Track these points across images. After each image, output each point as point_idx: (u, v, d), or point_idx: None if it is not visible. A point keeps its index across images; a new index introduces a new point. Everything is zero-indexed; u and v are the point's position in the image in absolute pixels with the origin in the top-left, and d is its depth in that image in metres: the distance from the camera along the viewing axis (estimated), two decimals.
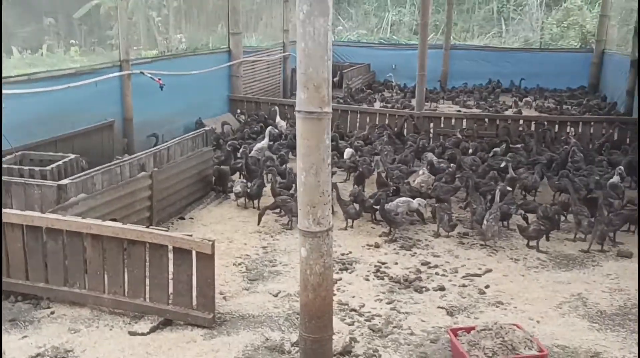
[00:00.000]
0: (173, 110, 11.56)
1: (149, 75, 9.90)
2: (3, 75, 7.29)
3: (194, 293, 5.38)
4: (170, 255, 5.36)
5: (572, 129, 12.20)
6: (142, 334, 5.19)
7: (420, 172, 9.50)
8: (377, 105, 15.95)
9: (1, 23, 7.73)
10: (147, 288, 5.44)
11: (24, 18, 9.47)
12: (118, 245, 5.41)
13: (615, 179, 8.72)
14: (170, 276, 5.41)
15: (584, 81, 18.93)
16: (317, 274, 4.62)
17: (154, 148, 7.74)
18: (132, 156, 7.43)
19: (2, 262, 5.56)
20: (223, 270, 6.60)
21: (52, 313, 5.57)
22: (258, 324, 5.49)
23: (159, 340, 5.14)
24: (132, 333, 5.21)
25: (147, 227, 5.61)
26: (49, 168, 6.59)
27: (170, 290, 5.42)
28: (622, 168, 9.01)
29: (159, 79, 9.94)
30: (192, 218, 8.19)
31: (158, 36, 19.98)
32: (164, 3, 20.32)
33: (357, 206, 8.07)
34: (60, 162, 6.87)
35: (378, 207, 7.85)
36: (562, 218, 8.07)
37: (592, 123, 12.15)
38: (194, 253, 5.24)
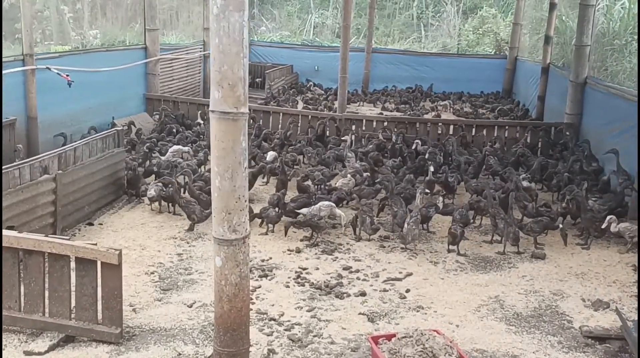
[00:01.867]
0: (84, 108, 10.90)
1: (55, 71, 9.24)
2: None
3: (99, 307, 4.98)
4: (73, 265, 4.93)
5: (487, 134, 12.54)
6: (39, 353, 4.74)
7: (345, 174, 9.44)
8: (300, 106, 15.81)
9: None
10: (47, 302, 4.98)
11: None
12: (13, 256, 4.93)
13: (525, 182, 8.96)
14: (73, 288, 4.97)
15: (498, 86, 19.60)
16: (232, 284, 4.38)
17: (59, 149, 7.18)
18: (34, 157, 6.85)
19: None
20: (134, 280, 6.20)
21: None
22: (170, 338, 5.16)
23: None
24: (27, 353, 4.75)
25: (47, 235, 5.12)
26: None
27: (73, 303, 4.99)
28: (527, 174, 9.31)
29: (67, 75, 9.29)
30: (101, 224, 7.68)
31: (71, 31, 18.95)
32: None
33: (277, 209, 7.83)
34: None
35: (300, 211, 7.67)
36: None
37: (507, 127, 12.53)
38: (99, 263, 4.84)
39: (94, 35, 18.55)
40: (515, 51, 19.32)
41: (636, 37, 14.48)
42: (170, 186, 7.91)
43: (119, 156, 8.36)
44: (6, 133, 8.57)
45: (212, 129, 4.16)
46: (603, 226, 7.45)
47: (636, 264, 7.10)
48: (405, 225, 7.40)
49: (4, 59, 8.93)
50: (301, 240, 7.58)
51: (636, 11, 15.31)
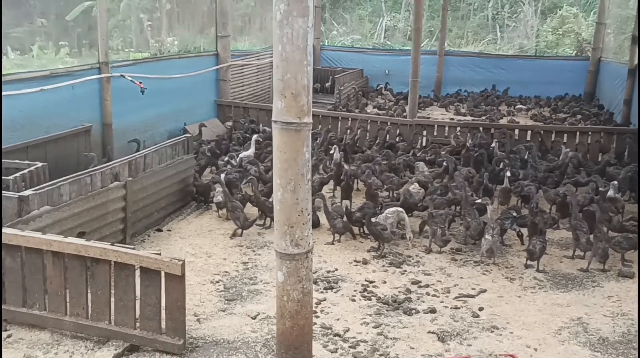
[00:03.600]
0: (156, 115, 11.13)
1: (129, 78, 9.46)
2: None
3: (163, 317, 4.94)
4: (138, 274, 4.92)
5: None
6: None
7: (413, 181, 9.13)
8: (370, 111, 15.58)
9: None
10: (112, 311, 5.00)
11: (17, 18, 9.13)
12: (81, 264, 4.96)
13: (612, 192, 8.32)
14: (137, 298, 4.96)
15: (580, 89, 18.61)
16: (295, 301, 4.21)
17: (129, 156, 7.28)
18: (105, 164, 6.97)
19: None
20: (199, 289, 6.16)
21: (9, 336, 5.11)
22: (233, 350, 5.06)
23: None
24: None
25: (113, 244, 5.14)
26: (11, 177, 6.13)
27: (137, 313, 4.98)
28: (616, 182, 8.60)
29: (140, 83, 9.49)
30: (169, 230, 7.74)
31: (150, 39, 19.62)
32: (156, 5, 19.97)
33: (344, 219, 7.63)
34: (25, 171, 6.40)
35: (365, 221, 7.44)
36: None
37: (590, 133, 11.79)
38: (162, 273, 4.80)
39: (171, 43, 19.10)
40: (598, 51, 18.27)
41: None
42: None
43: (188, 162, 8.42)
44: (81, 140, 8.83)
45: (275, 140, 4.02)
46: None
47: None
48: (488, 238, 7.00)
49: (81, 68, 9.24)
50: (368, 251, 7.34)
51: None
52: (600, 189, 8.41)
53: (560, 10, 25.04)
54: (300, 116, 3.93)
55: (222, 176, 8.10)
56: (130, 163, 7.17)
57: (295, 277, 4.18)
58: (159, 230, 7.69)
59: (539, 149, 11.15)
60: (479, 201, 7.72)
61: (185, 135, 8.77)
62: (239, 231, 7.62)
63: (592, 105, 16.99)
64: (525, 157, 10.29)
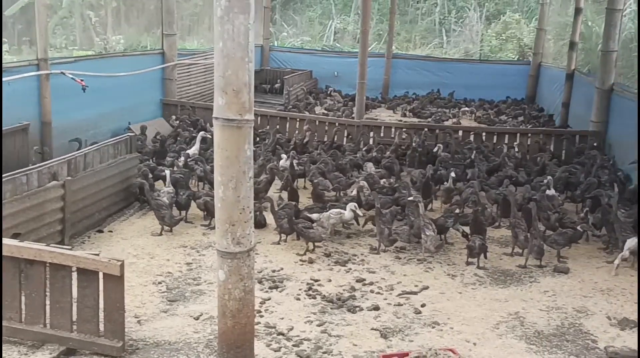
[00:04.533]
0: (99, 114, 10.84)
1: (70, 75, 9.18)
2: None
3: (101, 319, 4.81)
4: (75, 276, 4.78)
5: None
6: None
7: (360, 181, 9.21)
8: (319, 112, 15.65)
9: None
10: (48, 314, 4.83)
11: None
12: (14, 265, 4.78)
13: (550, 191, 8.63)
14: (75, 300, 4.82)
15: (521, 93, 19.21)
16: (236, 299, 4.19)
17: (68, 155, 7.07)
18: (42, 163, 6.75)
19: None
20: (140, 290, 6.04)
21: None
22: (174, 352, 4.98)
23: None
24: None
25: (49, 244, 4.98)
26: None
27: (74, 315, 4.83)
28: (551, 178, 8.94)
29: (81, 80, 9.23)
30: (111, 231, 7.56)
31: (95, 37, 19.10)
32: (102, 2, 19.47)
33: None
34: None
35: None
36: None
37: (530, 135, 12.18)
38: (100, 274, 4.68)
39: (117, 41, 18.67)
40: (539, 56, 18.93)
41: None
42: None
43: (131, 162, 8.25)
44: (18, 138, 8.51)
45: (216, 137, 3.99)
46: (624, 256, 7.02)
47: None
48: (430, 233, 7.16)
49: (18, 64, 8.91)
50: (311, 251, 7.35)
51: None
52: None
53: (503, 16, 25.79)
54: (242, 113, 3.91)
55: (167, 172, 7.98)
56: (69, 162, 6.97)
57: (236, 276, 4.15)
58: (100, 231, 7.50)
59: (480, 150, 11.47)
60: (410, 198, 7.85)
61: (128, 134, 8.58)
62: (163, 229, 7.54)
63: (533, 108, 17.57)
64: (472, 157, 10.54)
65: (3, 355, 4.74)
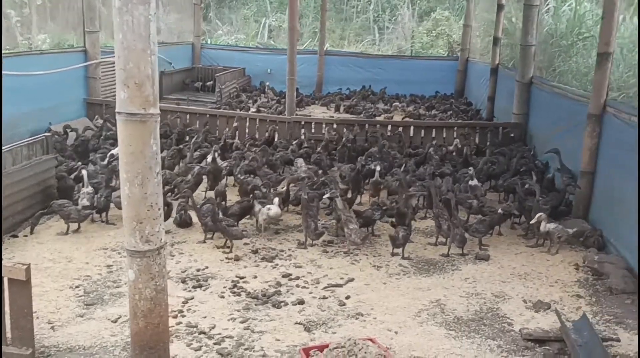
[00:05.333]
0: (15, 114, 10.35)
1: None
2: None
3: (8, 327, 4.59)
4: None
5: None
6: None
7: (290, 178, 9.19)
8: (252, 110, 15.52)
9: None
10: None
11: None
12: None
13: (473, 182, 8.87)
14: None
15: (451, 88, 19.68)
16: (147, 299, 4.07)
17: None
18: None
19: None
20: (55, 295, 5.81)
21: None
22: (89, 356, 4.81)
23: None
24: None
25: None
26: None
27: None
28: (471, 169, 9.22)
29: None
30: (26, 236, 7.23)
31: (19, 36, 18.26)
32: (25, 0, 18.61)
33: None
34: None
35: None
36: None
37: (456, 128, 12.48)
38: (5, 279, 4.46)
39: (43, 40, 17.91)
40: (466, 52, 19.43)
41: (582, 38, 14.77)
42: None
43: (48, 163, 7.91)
44: None
45: (119, 133, 3.86)
46: (532, 222, 7.39)
47: (578, 263, 7.06)
48: (354, 226, 7.23)
49: None
50: (230, 249, 7.27)
51: (582, 12, 15.60)
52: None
53: (434, 13, 26.40)
54: (146, 107, 3.80)
55: (84, 172, 7.72)
56: None
57: (147, 275, 4.04)
58: (15, 236, 7.17)
59: (410, 144, 11.71)
60: (327, 196, 7.91)
61: (45, 134, 8.23)
62: (69, 227, 7.40)
63: (461, 102, 18.03)
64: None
65: None
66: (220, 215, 7.36)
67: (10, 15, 17.53)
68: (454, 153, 11.01)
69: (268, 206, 7.71)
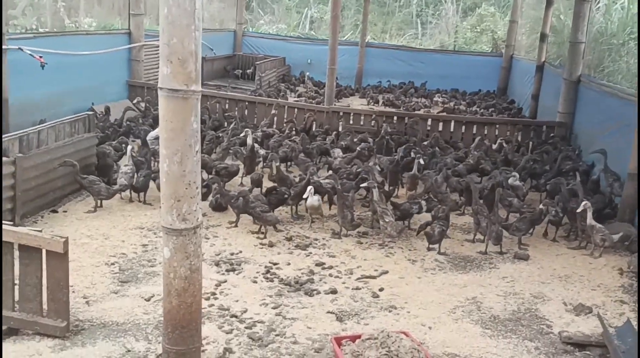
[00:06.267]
0: (60, 92, 10.53)
1: (28, 51, 8.88)
2: None
3: (44, 298, 4.64)
4: (17, 254, 4.60)
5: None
6: None
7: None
8: (291, 99, 15.48)
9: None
10: None
11: None
12: None
13: (512, 180, 8.61)
14: (17, 278, 4.64)
15: (493, 85, 19.28)
16: (182, 278, 4.05)
17: (20, 131, 6.82)
18: None
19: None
20: (91, 271, 5.87)
21: None
22: (121, 333, 4.83)
23: None
24: None
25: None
26: None
27: (17, 294, 4.65)
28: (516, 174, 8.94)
29: (40, 57, 8.93)
30: (65, 211, 7.34)
31: (66, 19, 18.63)
32: None
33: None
34: None
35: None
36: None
37: (498, 125, 12.19)
38: (43, 251, 4.50)
39: (89, 24, 18.22)
40: (511, 49, 19.00)
41: (634, 37, 14.24)
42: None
43: (89, 141, 8.01)
44: None
45: (161, 109, 3.83)
46: (578, 210, 7.11)
47: (623, 268, 6.79)
48: (389, 219, 7.11)
49: None
50: (273, 234, 7.23)
51: (635, 11, 15.04)
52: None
53: (479, 8, 25.90)
54: (188, 84, 3.76)
55: (129, 148, 7.81)
56: (21, 138, 6.72)
57: (182, 253, 4.02)
58: (54, 211, 7.28)
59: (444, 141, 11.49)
60: (363, 185, 7.78)
61: (87, 112, 8.33)
62: (99, 203, 7.49)
63: (504, 100, 17.64)
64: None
65: None
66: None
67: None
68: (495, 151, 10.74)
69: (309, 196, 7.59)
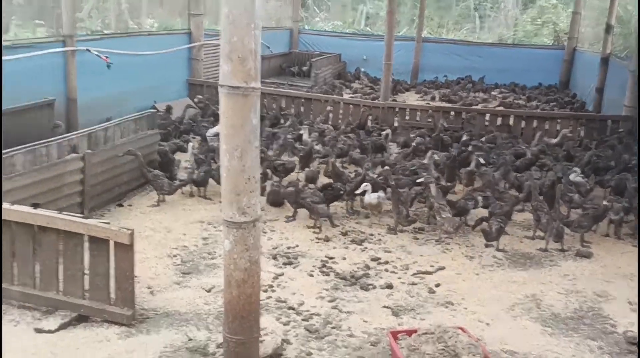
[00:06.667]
0: (124, 91, 10.95)
1: (95, 52, 9.28)
2: None
3: (112, 287, 4.86)
4: (87, 245, 4.84)
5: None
6: (49, 331, 4.66)
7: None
8: (346, 95, 15.54)
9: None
10: (61, 280, 4.91)
11: None
12: (28, 232, 4.87)
13: (573, 176, 8.36)
14: (87, 267, 4.88)
15: (555, 78, 18.72)
16: (241, 269, 4.16)
17: (89, 129, 7.15)
18: (62, 136, 6.84)
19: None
20: (155, 262, 6.10)
21: None
22: (184, 322, 5.01)
23: (67, 339, 4.62)
24: (38, 330, 4.68)
25: (60, 212, 5.04)
26: None
27: (86, 283, 4.90)
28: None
29: (106, 57, 9.32)
30: (130, 205, 7.64)
31: (129, 20, 19.30)
32: None
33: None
34: None
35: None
36: None
37: (559, 119, 11.85)
38: (111, 242, 4.72)
39: (151, 25, 18.83)
40: (574, 41, 18.40)
41: None
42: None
43: (152, 138, 8.31)
44: (44, 113, 8.62)
45: (221, 105, 3.94)
46: None
47: None
48: (446, 215, 7.06)
49: (44, 40, 9.04)
50: (319, 227, 7.29)
51: None
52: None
53: (540, 1, 25.20)
54: (247, 81, 3.85)
55: (191, 144, 8.06)
56: (89, 135, 7.05)
57: (242, 245, 4.12)
58: (120, 205, 7.59)
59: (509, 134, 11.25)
60: (420, 180, 7.71)
61: (150, 110, 8.64)
62: (161, 198, 7.72)
63: (566, 94, 17.11)
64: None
65: (18, 319, 4.84)
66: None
67: (120, 1, 18.53)
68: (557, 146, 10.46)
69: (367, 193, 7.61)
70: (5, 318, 4.85)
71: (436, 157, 9.04)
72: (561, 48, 19.36)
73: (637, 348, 4.92)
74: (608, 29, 14.66)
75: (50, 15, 10.18)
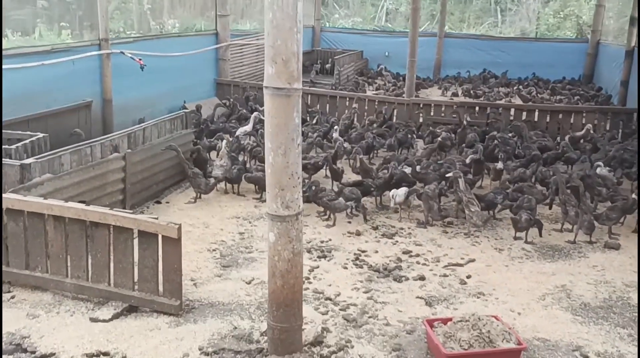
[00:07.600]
0: (156, 92, 11.26)
1: (129, 55, 9.60)
2: None
3: (160, 279, 5.13)
4: (136, 239, 5.11)
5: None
6: (104, 321, 4.94)
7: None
8: (369, 92, 15.70)
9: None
10: (112, 273, 5.19)
11: (19, 0, 9.25)
12: (81, 228, 5.16)
13: (600, 169, 8.45)
14: (136, 260, 5.16)
15: (578, 72, 18.65)
16: (285, 260, 4.39)
17: (128, 129, 7.45)
18: (104, 136, 7.15)
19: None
20: (196, 256, 6.36)
21: (13, 297, 5.32)
22: (228, 312, 5.26)
23: (121, 327, 4.90)
24: (93, 320, 4.96)
25: (111, 209, 5.32)
26: (13, 146, 6.31)
27: (136, 275, 5.17)
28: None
29: (140, 60, 9.63)
30: (168, 202, 7.93)
31: (151, 21, 19.67)
32: None
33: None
34: (27, 141, 6.58)
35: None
36: None
37: (584, 113, 11.90)
38: (159, 237, 4.99)
39: (172, 25, 19.19)
40: (597, 34, 18.28)
41: None
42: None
43: (186, 137, 8.59)
44: (82, 114, 8.98)
45: (266, 106, 4.17)
46: None
47: None
48: (475, 209, 7.22)
49: (81, 44, 9.37)
50: (360, 224, 7.51)
51: None
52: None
53: None
54: (290, 82, 4.07)
55: (224, 142, 8.34)
56: (129, 135, 7.34)
57: (285, 238, 4.35)
58: (158, 202, 7.88)
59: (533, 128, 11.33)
60: (448, 174, 7.86)
61: (184, 110, 8.93)
62: (198, 196, 7.98)
63: (590, 87, 17.06)
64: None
65: (73, 310, 5.14)
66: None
67: (143, 2, 18.90)
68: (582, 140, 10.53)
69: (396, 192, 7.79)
70: (61, 308, 5.16)
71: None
72: (584, 41, 19.25)
73: None
74: (633, 21, 14.60)
75: (73, 17, 10.49)
